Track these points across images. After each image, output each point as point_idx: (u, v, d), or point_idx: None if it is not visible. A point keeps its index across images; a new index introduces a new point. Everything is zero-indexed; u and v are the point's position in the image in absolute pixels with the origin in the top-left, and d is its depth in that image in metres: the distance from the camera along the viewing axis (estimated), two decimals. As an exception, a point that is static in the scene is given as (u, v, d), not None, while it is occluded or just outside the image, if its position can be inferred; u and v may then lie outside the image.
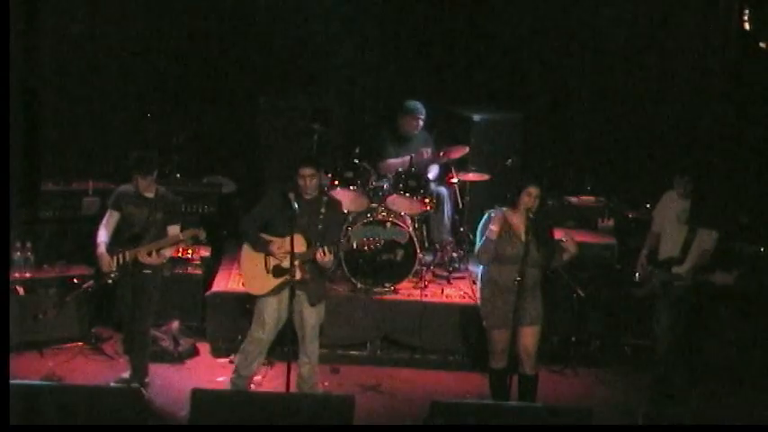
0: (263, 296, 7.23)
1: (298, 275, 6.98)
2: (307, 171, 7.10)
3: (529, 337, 7.10)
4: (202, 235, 7.43)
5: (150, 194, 7.37)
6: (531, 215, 6.92)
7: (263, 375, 7.84)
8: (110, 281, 7.32)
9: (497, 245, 7.01)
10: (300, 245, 7.03)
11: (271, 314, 7.24)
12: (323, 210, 7.18)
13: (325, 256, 7.09)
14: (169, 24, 10.12)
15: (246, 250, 7.28)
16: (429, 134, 9.52)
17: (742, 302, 8.41)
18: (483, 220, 7.15)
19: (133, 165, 7.35)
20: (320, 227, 7.11)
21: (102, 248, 7.30)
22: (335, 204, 7.39)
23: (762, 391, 8.06)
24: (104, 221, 7.42)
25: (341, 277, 8.77)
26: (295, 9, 10.32)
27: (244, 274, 7.38)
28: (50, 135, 9.29)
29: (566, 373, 8.45)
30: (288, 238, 6.95)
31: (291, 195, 7.03)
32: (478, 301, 7.40)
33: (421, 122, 9.30)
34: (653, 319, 7.82)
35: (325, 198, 7.32)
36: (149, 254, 7.27)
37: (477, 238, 7.17)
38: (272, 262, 7.18)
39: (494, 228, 6.98)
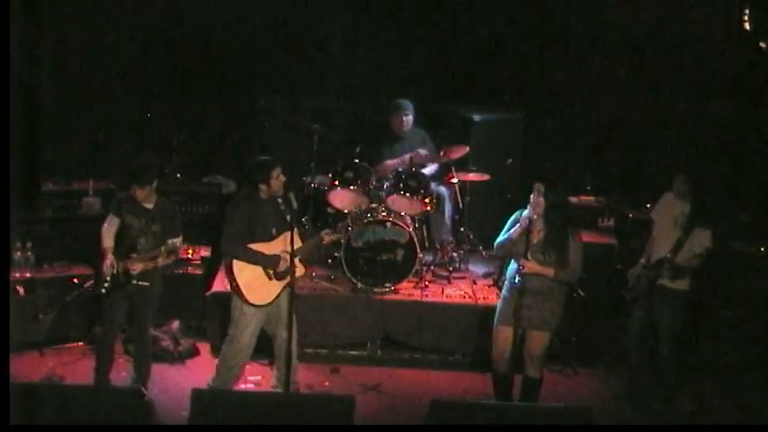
0: (267, 304, 7.17)
1: (302, 269, 7.01)
2: (280, 171, 7.10)
3: (534, 341, 7.08)
4: (179, 248, 7.24)
5: (150, 205, 7.27)
6: (530, 212, 6.90)
7: (262, 375, 7.84)
8: (102, 290, 7.24)
9: (515, 242, 6.99)
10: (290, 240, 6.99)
11: (260, 321, 7.21)
12: (280, 201, 7.12)
13: (331, 236, 7.33)
14: (169, 24, 10.11)
15: (239, 264, 7.10)
16: (426, 133, 9.52)
17: (741, 302, 8.41)
18: (513, 216, 7.12)
19: (131, 175, 7.25)
20: (288, 218, 7.02)
21: (110, 255, 7.17)
22: (287, 195, 7.21)
23: (761, 391, 8.06)
24: (106, 225, 7.30)
25: (341, 277, 8.78)
26: (295, 9, 10.32)
27: (244, 288, 7.09)
28: (50, 135, 9.29)
29: (566, 373, 8.45)
30: (280, 239, 7.06)
31: (291, 195, 7.03)
32: None
33: (407, 119, 9.28)
34: (629, 320, 7.85)
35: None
36: (141, 262, 7.18)
37: (502, 232, 7.14)
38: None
39: (519, 229, 6.93)
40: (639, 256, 7.89)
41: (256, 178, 7.09)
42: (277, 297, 7.19)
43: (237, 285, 7.05)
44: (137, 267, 7.17)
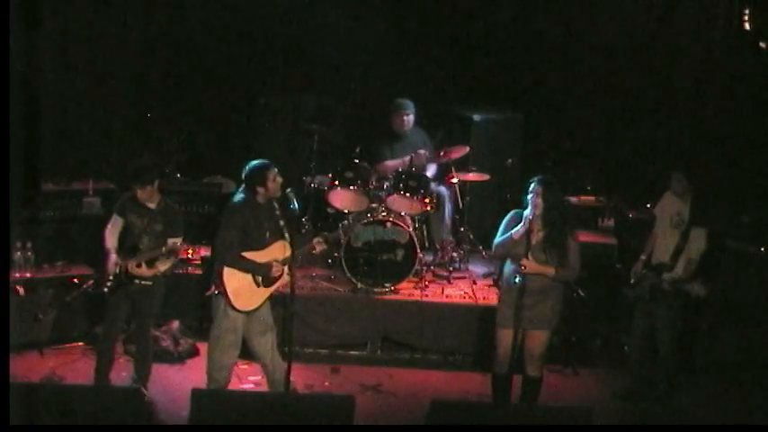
0: (252, 310, 7.13)
1: (286, 279, 6.99)
2: (276, 172, 7.04)
3: (534, 340, 7.07)
4: (179, 249, 7.22)
5: (152, 204, 7.27)
6: (531, 212, 6.90)
7: (262, 375, 7.84)
8: (105, 289, 7.24)
9: (516, 243, 6.99)
10: (282, 248, 6.99)
11: (243, 322, 7.14)
12: (275, 205, 7.09)
13: (323, 245, 7.22)
14: (169, 24, 10.13)
15: (229, 271, 7.03)
16: (426, 133, 9.53)
17: (741, 302, 8.41)
18: (507, 217, 7.12)
19: (131, 176, 7.26)
20: (282, 223, 7.03)
21: (113, 255, 7.19)
22: (286, 195, 7.18)
23: (759, 390, 8.06)
24: (110, 226, 7.31)
25: (341, 277, 8.78)
26: (295, 9, 10.32)
27: (231, 294, 7.00)
28: (50, 135, 9.28)
29: (566, 373, 8.45)
30: (273, 246, 7.02)
31: (292, 194, 7.01)
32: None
33: (407, 119, 9.29)
34: (633, 322, 7.84)
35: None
36: (138, 265, 7.18)
37: (498, 233, 7.13)
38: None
39: (521, 229, 6.93)
40: (640, 255, 7.88)
41: (253, 182, 7.01)
42: (262, 305, 7.14)
43: (225, 291, 7.03)
44: (140, 272, 7.18)
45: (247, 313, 7.09)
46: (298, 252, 7.09)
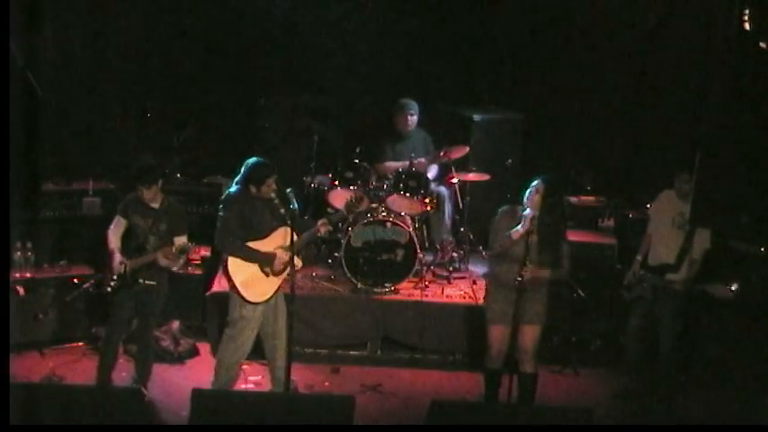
0: (265, 301, 7.15)
1: (299, 263, 7.01)
2: (274, 179, 7.08)
3: (527, 335, 7.09)
4: (190, 247, 7.28)
5: (156, 204, 7.31)
6: (531, 212, 6.89)
7: (262, 375, 7.84)
8: (108, 289, 7.25)
9: (515, 242, 6.97)
10: (285, 234, 7.01)
11: (258, 320, 7.17)
12: (276, 201, 7.12)
13: (327, 226, 7.27)
14: (169, 24, 10.13)
15: (234, 264, 7.07)
16: (428, 134, 9.54)
17: (741, 304, 8.40)
18: (499, 214, 7.12)
19: (135, 176, 7.28)
20: (282, 210, 7.06)
21: (117, 254, 7.22)
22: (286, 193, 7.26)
23: (760, 391, 8.05)
24: (113, 227, 7.34)
25: (341, 277, 8.78)
26: (295, 9, 10.33)
27: (240, 287, 7.04)
28: (50, 135, 9.28)
29: (566, 373, 8.45)
30: (275, 234, 7.05)
31: (291, 194, 7.02)
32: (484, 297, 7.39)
33: (412, 119, 9.31)
34: (630, 322, 7.83)
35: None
36: (166, 256, 7.20)
37: (492, 231, 7.12)
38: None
39: (521, 230, 6.92)
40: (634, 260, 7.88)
41: (250, 180, 7.05)
42: (274, 294, 7.17)
43: (234, 285, 7.04)
44: (166, 262, 7.20)
45: (261, 304, 7.09)
46: (305, 236, 7.12)
